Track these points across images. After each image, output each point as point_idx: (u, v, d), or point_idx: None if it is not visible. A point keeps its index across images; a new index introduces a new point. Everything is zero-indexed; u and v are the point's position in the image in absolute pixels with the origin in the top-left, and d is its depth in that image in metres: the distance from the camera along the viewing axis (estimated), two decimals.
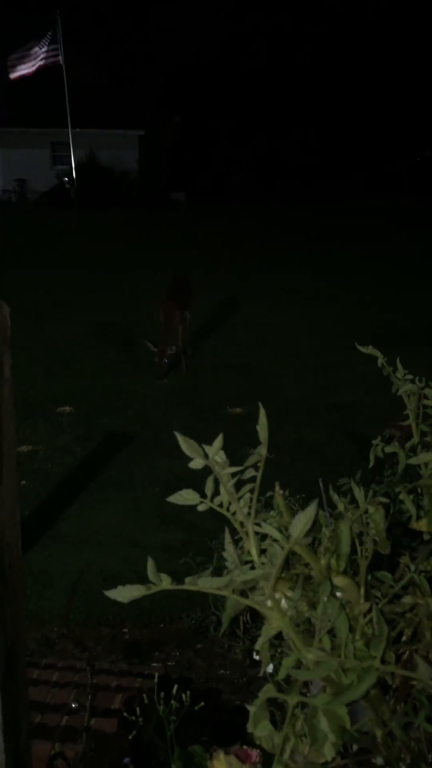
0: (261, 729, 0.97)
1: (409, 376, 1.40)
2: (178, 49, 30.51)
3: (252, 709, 0.98)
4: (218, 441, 0.98)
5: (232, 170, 30.32)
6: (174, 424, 6.29)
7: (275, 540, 0.96)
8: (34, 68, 18.09)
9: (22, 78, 18.48)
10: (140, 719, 2.04)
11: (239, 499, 0.99)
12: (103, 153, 25.42)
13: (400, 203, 23.15)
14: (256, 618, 3.29)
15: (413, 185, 29.24)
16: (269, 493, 1.17)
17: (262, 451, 0.97)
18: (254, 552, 0.96)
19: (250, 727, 0.98)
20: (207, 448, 0.99)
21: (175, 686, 1.89)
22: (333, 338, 8.94)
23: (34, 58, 17.97)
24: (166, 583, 0.95)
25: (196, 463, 0.97)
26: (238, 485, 1.04)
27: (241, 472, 0.99)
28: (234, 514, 0.99)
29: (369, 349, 1.42)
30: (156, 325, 7.96)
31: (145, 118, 27.34)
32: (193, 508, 1.04)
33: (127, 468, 5.51)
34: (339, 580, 1.06)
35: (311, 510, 0.90)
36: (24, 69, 18.13)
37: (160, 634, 3.58)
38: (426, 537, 1.48)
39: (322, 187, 28.54)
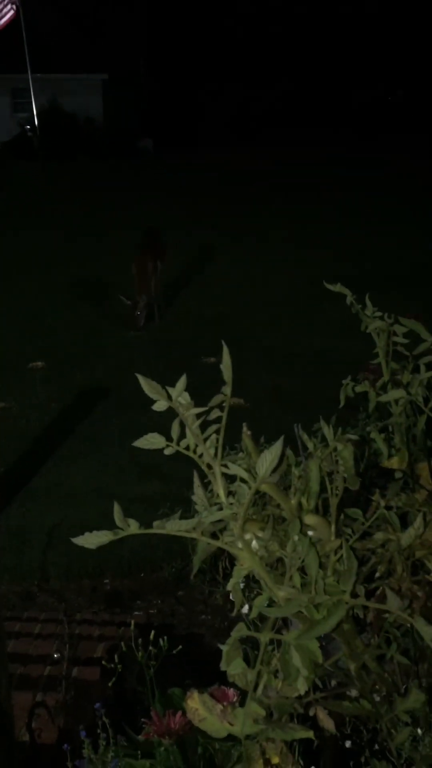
0: (234, 667, 0.97)
1: (378, 314, 1.38)
2: None
3: (225, 648, 0.98)
4: (181, 382, 0.95)
5: (203, 116, 29.51)
6: (148, 375, 6.25)
7: (243, 480, 0.94)
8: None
9: None
10: (119, 667, 2.05)
11: (205, 440, 0.97)
12: (66, 99, 24.53)
13: (381, 153, 22.65)
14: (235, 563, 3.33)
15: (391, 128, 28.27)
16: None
17: (227, 390, 0.94)
18: (222, 493, 0.94)
19: (223, 666, 0.98)
20: (171, 390, 0.96)
21: (152, 632, 1.90)
22: (306, 286, 8.87)
23: None
24: (133, 527, 0.94)
25: (160, 405, 0.94)
26: (206, 428, 1.02)
27: (207, 412, 0.97)
28: (201, 456, 0.97)
29: (338, 287, 1.39)
30: (129, 277, 7.84)
31: (109, 61, 26.35)
32: (170, 458, 1.02)
33: (103, 422, 5.48)
34: (309, 519, 1.05)
35: (277, 447, 0.88)
36: None
37: (141, 583, 3.62)
38: (397, 475, 1.49)
39: (300, 135, 27.79)
